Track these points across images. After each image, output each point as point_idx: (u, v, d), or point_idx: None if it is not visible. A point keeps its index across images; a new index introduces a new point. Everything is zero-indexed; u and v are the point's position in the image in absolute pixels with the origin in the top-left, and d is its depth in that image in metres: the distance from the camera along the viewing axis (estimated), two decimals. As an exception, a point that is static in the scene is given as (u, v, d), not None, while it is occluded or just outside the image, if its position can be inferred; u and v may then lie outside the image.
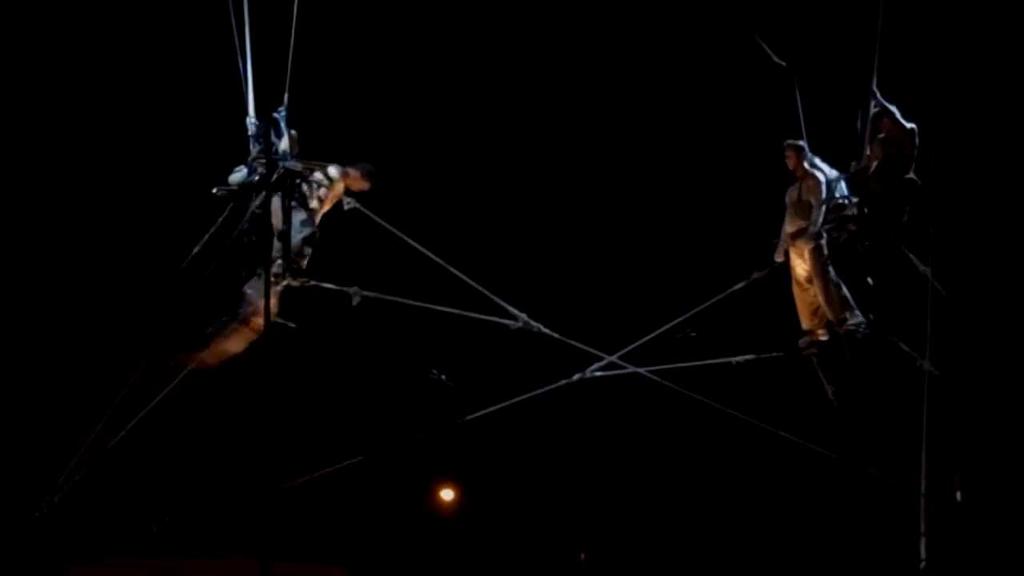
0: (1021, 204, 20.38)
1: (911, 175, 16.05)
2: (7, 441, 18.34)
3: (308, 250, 14.96)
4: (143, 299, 15.36)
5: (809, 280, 16.10)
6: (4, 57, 18.92)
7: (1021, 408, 18.76)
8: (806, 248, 15.95)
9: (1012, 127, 20.21)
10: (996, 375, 18.08)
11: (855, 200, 16.21)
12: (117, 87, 19.30)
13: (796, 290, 16.20)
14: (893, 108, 15.99)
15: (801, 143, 16.07)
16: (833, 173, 16.15)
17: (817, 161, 16.19)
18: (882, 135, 16.06)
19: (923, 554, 14.84)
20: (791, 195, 16.15)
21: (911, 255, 16.06)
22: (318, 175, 14.90)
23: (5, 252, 19.20)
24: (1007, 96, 20.17)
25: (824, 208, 15.88)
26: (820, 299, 16.00)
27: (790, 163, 16.04)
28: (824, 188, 15.91)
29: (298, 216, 14.90)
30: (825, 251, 15.97)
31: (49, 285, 19.47)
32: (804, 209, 15.96)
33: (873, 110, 15.94)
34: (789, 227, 16.04)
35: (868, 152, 16.06)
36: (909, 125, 16.00)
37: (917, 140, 16.04)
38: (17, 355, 19.08)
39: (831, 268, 15.96)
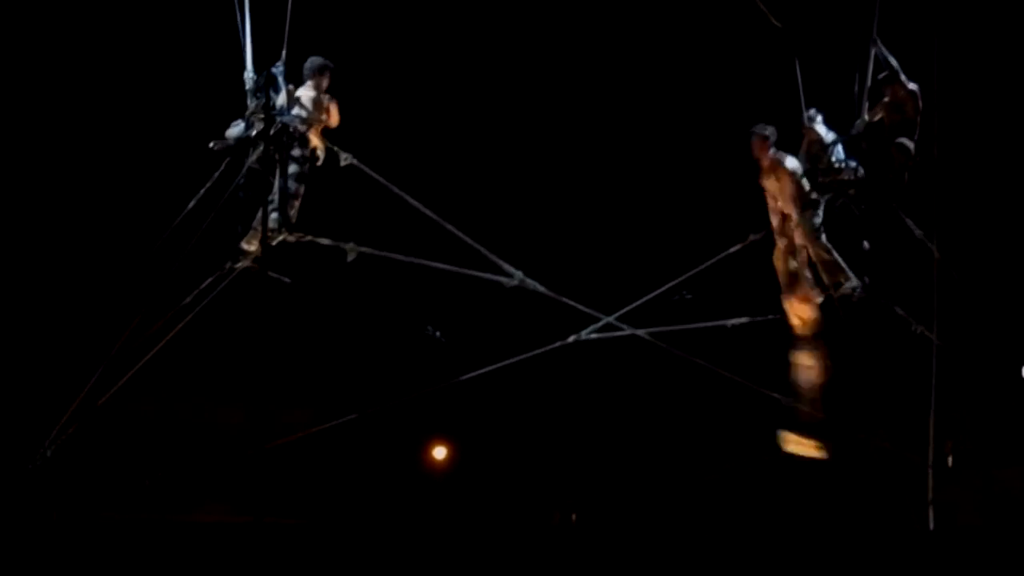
0: (1018, 169, 20.37)
1: (902, 140, 15.98)
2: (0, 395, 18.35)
3: (297, 203, 14.97)
4: (138, 255, 15.35)
5: (791, 253, 15.99)
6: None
7: (1010, 372, 18.82)
8: (797, 230, 15.85)
9: (1012, 92, 20.19)
10: (984, 338, 18.11)
11: (852, 164, 16.17)
12: (115, 41, 19.23)
13: (780, 263, 16.14)
14: (894, 61, 15.88)
15: (767, 133, 15.92)
16: (831, 136, 16.09)
17: (819, 120, 16.13)
18: (887, 99, 15.97)
19: (931, 524, 14.94)
20: (767, 185, 15.98)
21: (908, 220, 16.07)
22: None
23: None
24: (1006, 65, 20.14)
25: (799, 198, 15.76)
26: (817, 264, 15.94)
27: (756, 151, 15.87)
28: (795, 183, 15.77)
29: (290, 168, 14.91)
30: (817, 220, 15.88)
31: (43, 242, 19.44)
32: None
33: (881, 75, 15.87)
34: (772, 219, 15.91)
35: (867, 115, 15.99)
36: (911, 86, 15.92)
37: (920, 104, 15.96)
38: (10, 310, 19.06)
39: (823, 235, 15.90)
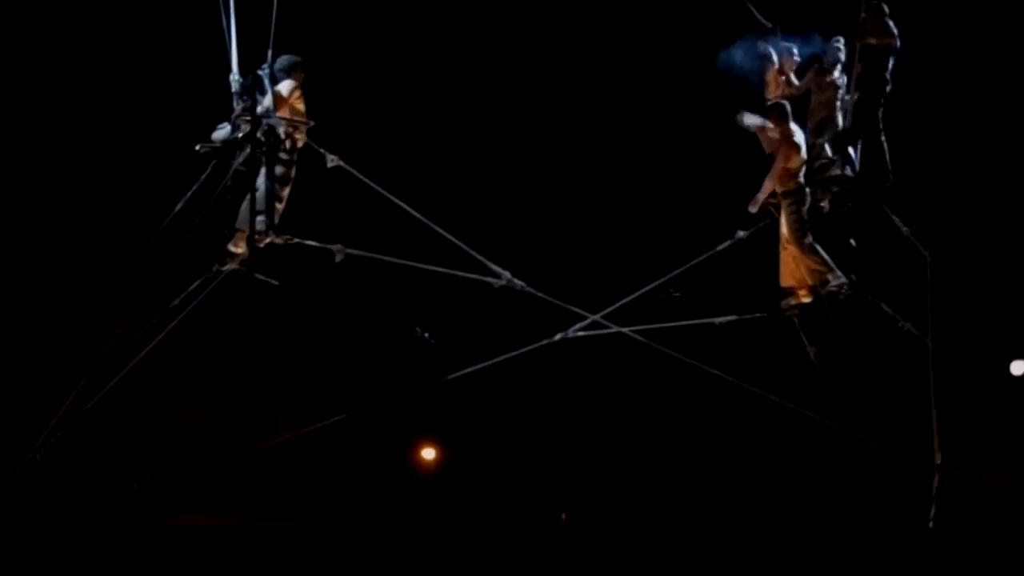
0: (1007, 167, 20.41)
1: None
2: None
3: (280, 206, 14.96)
4: (125, 258, 15.33)
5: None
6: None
7: (998, 367, 18.86)
8: (783, 210, 15.93)
9: (1000, 88, 20.23)
10: (972, 333, 18.15)
11: (837, 161, 16.20)
12: (101, 44, 19.21)
13: (781, 248, 16.19)
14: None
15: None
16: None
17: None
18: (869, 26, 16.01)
19: (931, 522, 14.99)
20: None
21: (895, 217, 16.10)
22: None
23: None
24: (993, 63, 20.19)
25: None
26: (802, 266, 15.98)
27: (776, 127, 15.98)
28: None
29: (276, 170, 14.90)
30: (804, 215, 15.93)
31: (31, 246, 19.41)
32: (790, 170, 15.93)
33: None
34: (779, 187, 15.98)
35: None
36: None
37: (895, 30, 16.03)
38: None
39: (809, 233, 15.92)
